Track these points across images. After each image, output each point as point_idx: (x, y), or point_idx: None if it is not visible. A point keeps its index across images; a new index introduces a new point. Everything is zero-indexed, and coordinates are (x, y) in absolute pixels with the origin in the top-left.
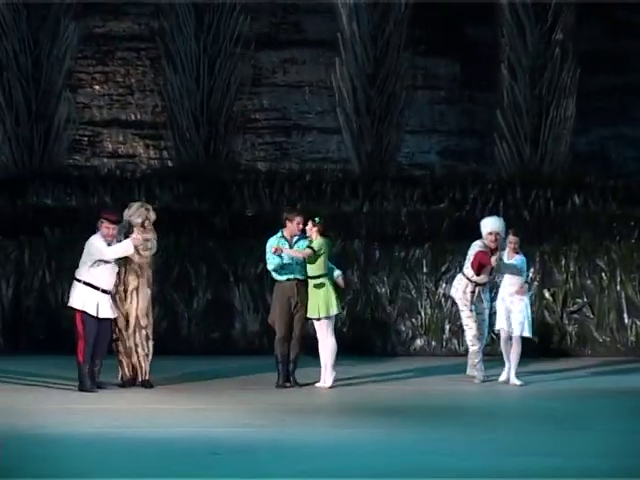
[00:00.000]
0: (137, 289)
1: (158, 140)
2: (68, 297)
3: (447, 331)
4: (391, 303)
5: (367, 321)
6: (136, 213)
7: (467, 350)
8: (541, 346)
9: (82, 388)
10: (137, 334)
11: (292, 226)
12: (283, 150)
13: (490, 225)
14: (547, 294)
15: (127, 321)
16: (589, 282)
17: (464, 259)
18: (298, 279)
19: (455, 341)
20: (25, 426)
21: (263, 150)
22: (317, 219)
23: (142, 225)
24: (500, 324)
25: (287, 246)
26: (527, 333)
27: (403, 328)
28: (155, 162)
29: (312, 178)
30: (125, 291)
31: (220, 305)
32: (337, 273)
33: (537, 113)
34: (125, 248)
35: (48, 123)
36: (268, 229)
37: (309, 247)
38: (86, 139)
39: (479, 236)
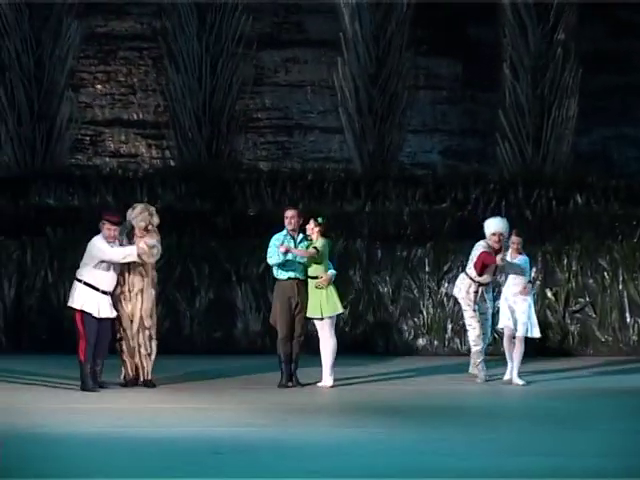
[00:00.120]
0: (142, 290)
1: (160, 140)
2: (69, 297)
3: (449, 330)
4: (393, 303)
5: (369, 321)
6: (139, 217)
7: (469, 350)
8: (543, 345)
9: (84, 388)
10: (141, 334)
11: (285, 221)
12: (285, 150)
13: (494, 226)
14: (549, 294)
15: (131, 321)
16: (591, 281)
17: (466, 259)
18: (298, 279)
19: (457, 340)
20: (26, 425)
21: (265, 150)
22: (320, 219)
23: (145, 229)
24: (503, 322)
25: (292, 244)
26: (536, 334)
27: (405, 328)
28: (157, 162)
29: (314, 178)
30: (130, 292)
31: (222, 305)
32: (331, 272)
33: (539, 113)
34: (128, 253)
35: (50, 123)
36: (270, 229)
37: (314, 247)
38: (88, 139)
39: (481, 236)
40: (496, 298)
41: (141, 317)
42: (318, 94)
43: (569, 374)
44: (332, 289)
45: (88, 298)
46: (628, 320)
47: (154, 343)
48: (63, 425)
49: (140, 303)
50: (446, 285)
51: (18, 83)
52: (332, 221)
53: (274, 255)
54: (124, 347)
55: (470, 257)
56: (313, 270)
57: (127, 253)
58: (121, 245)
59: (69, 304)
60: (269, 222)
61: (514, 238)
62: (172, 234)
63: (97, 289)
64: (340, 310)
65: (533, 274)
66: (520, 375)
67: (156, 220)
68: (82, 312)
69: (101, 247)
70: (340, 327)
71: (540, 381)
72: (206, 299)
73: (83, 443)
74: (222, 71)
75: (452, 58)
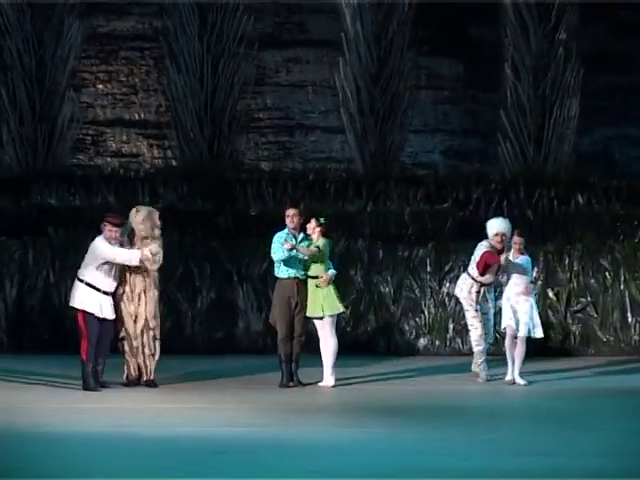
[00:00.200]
0: (145, 291)
1: (162, 139)
2: (70, 297)
3: (451, 330)
4: (395, 302)
5: (371, 321)
6: (141, 225)
7: (471, 349)
8: (544, 345)
9: (86, 387)
10: (145, 335)
11: (287, 220)
12: (286, 150)
13: (496, 226)
14: (551, 293)
15: (134, 321)
16: (593, 281)
17: (468, 259)
18: (299, 278)
19: (459, 340)
20: (27, 425)
21: (266, 149)
22: (322, 219)
23: (146, 237)
24: (506, 322)
25: (294, 243)
26: (539, 334)
27: (407, 327)
28: (159, 161)
29: (315, 178)
30: (132, 292)
31: (224, 304)
32: (331, 272)
33: (541, 113)
34: (130, 256)
35: (52, 123)
36: (271, 228)
37: (316, 246)
38: (90, 139)
39: (483, 236)
40: (498, 298)
41: (146, 318)
42: (319, 94)
43: (570, 374)
44: (332, 288)
45: (90, 298)
46: (629, 320)
47: (158, 343)
48: (64, 424)
49: (144, 304)
50: (448, 285)
51: (20, 83)
52: (333, 221)
53: (278, 251)
54: (127, 347)
55: (472, 257)
56: (313, 270)
57: (128, 256)
58: (122, 246)
59: (71, 304)
60: (270, 222)
61: (516, 238)
62: (173, 234)
63: (98, 290)
64: (340, 309)
65: (535, 274)
66: (522, 375)
67: (158, 231)
68: (84, 312)
69: (104, 248)
70: (341, 327)
71: (541, 381)
72: (207, 299)
73: (84, 443)
74: (223, 71)
75: (453, 58)
